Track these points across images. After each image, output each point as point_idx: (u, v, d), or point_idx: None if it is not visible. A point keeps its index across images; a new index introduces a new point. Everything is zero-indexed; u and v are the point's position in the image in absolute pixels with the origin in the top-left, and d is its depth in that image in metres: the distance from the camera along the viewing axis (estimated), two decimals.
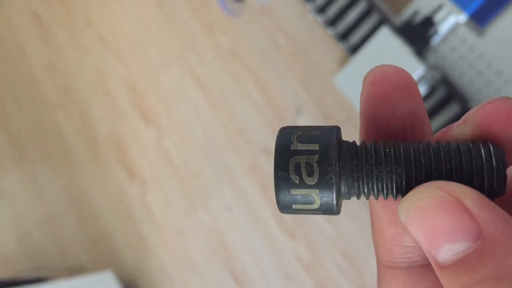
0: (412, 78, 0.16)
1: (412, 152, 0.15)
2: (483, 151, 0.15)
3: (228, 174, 1.19)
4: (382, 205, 0.17)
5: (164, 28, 1.33)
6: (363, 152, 0.16)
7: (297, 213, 0.16)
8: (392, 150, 0.16)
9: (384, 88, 0.16)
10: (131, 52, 1.37)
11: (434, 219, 0.14)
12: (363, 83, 0.17)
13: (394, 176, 0.15)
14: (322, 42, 1.15)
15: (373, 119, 0.17)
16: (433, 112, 0.97)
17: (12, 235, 1.41)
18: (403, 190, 0.15)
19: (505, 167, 0.15)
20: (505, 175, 0.15)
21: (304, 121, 1.14)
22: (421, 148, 0.16)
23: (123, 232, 1.31)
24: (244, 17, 1.22)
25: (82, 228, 1.36)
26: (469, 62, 0.92)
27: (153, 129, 1.30)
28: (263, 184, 1.16)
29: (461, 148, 0.15)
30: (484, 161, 0.15)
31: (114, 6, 1.42)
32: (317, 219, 1.09)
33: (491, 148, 0.15)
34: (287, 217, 1.12)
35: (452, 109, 0.94)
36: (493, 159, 0.15)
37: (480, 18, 0.84)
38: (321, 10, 1.12)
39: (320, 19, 1.12)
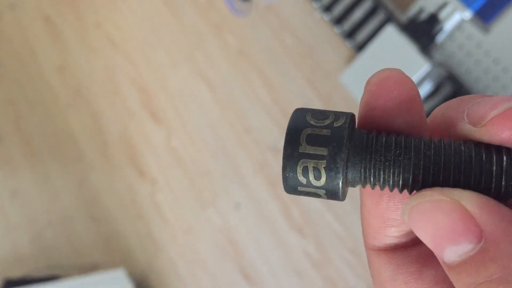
0: (415, 88, 0.16)
1: (422, 148, 0.15)
2: (494, 154, 0.15)
3: (237, 173, 1.20)
4: (371, 199, 0.18)
5: (172, 29, 1.34)
6: (373, 144, 0.16)
7: (302, 195, 0.17)
8: (403, 143, 0.16)
9: (383, 100, 0.16)
10: (140, 52, 1.38)
11: (435, 222, 0.14)
12: (365, 86, 0.16)
13: (402, 170, 0.15)
14: (329, 40, 1.15)
15: (370, 128, 0.17)
16: None
17: (25, 235, 1.44)
18: (409, 185, 0.16)
19: None
20: None
21: None
22: (432, 145, 0.15)
23: (134, 230, 1.33)
24: (251, 17, 1.23)
25: (93, 227, 1.38)
26: (476, 59, 0.92)
27: (162, 129, 1.32)
28: (271, 182, 1.17)
29: (473, 148, 0.15)
30: (494, 162, 0.15)
31: (123, 7, 1.43)
32: (325, 216, 1.10)
33: (504, 151, 0.15)
34: (296, 214, 1.13)
35: None
36: (504, 161, 0.15)
37: (485, 15, 0.84)
38: (328, 8, 1.12)
39: (326, 17, 1.13)
